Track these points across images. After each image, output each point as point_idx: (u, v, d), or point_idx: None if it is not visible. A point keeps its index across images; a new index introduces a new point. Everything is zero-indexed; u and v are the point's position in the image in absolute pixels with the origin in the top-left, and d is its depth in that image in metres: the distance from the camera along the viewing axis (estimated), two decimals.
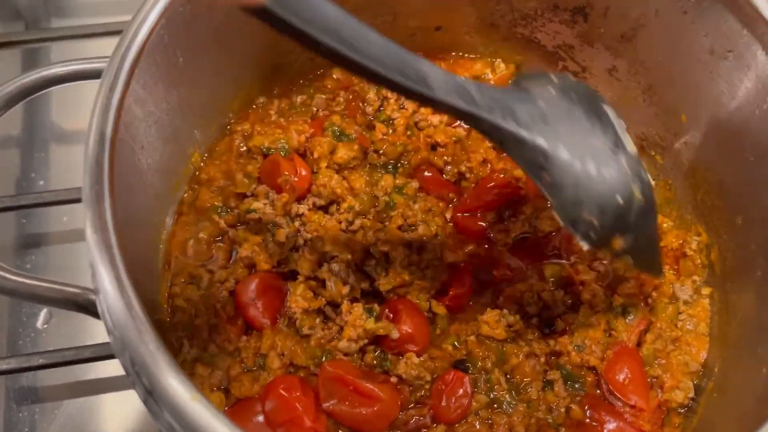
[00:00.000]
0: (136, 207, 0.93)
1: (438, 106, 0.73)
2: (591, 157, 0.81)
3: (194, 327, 0.97)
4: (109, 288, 0.67)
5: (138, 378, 0.70)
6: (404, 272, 0.99)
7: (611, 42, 1.11)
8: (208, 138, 1.12)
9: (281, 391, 0.93)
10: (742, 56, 0.93)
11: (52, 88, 0.86)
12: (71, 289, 0.79)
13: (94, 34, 1.42)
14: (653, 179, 1.07)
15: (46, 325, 1.21)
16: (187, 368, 0.95)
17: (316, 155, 1.10)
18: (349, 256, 1.00)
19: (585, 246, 0.82)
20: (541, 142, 0.78)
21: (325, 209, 1.08)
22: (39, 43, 1.48)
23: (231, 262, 1.04)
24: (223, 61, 1.06)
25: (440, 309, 1.02)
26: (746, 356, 0.93)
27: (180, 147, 1.05)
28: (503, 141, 0.78)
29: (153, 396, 0.69)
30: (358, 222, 1.04)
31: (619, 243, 0.85)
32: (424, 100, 0.72)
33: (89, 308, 0.78)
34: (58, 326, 1.21)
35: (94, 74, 0.81)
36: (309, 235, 1.02)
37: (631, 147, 0.87)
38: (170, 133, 1.00)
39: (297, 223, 1.04)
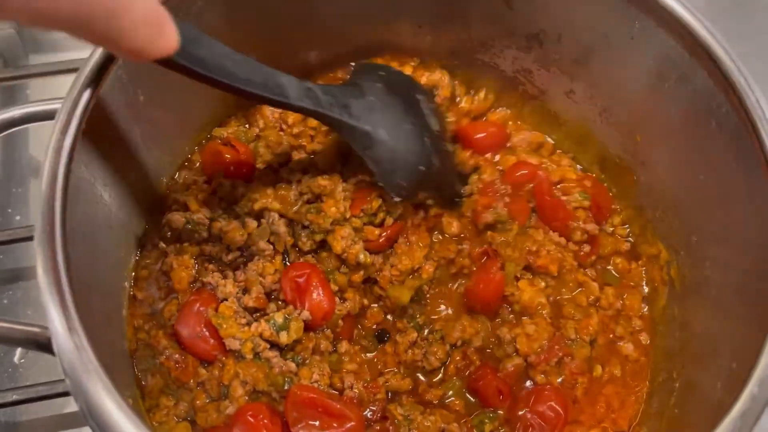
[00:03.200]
0: (100, 242, 0.95)
1: (295, 109, 0.96)
2: (403, 138, 1.06)
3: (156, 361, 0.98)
4: (60, 330, 0.68)
5: (92, 421, 0.71)
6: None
7: (567, 66, 1.13)
8: (172, 169, 1.14)
9: (249, 417, 0.94)
10: (687, 80, 0.95)
11: (9, 131, 0.87)
12: (32, 329, 0.80)
13: (72, 70, 1.43)
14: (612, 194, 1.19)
15: (23, 360, 1.21)
16: (154, 398, 0.96)
17: None
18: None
19: (397, 199, 1.05)
20: (367, 128, 1.02)
21: None
22: (16, 81, 1.50)
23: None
24: (186, 95, 1.07)
25: None
26: (702, 371, 0.94)
27: (145, 180, 1.07)
28: (341, 129, 1.01)
29: None
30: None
31: (423, 195, 1.10)
32: (284, 106, 0.95)
33: (50, 348, 0.79)
34: (36, 361, 1.21)
35: (50, 116, 0.83)
36: None
37: (435, 126, 1.12)
38: (132, 168, 1.02)
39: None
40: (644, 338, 1.10)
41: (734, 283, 0.91)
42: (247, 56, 0.89)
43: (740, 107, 0.84)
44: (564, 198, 1.16)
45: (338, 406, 0.95)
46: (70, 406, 1.17)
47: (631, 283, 1.14)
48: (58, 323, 0.68)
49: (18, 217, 1.35)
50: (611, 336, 1.10)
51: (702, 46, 0.89)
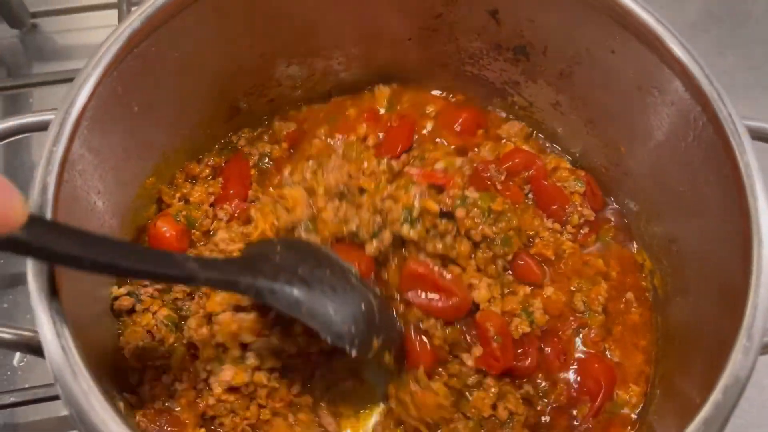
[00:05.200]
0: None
1: (199, 283, 0.88)
2: (329, 285, 0.96)
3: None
4: (48, 334, 0.71)
5: (81, 424, 0.73)
6: None
7: (552, 78, 1.16)
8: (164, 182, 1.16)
9: None
10: (665, 92, 0.97)
11: (4, 141, 0.90)
12: (24, 333, 0.82)
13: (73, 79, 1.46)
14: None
15: (22, 363, 1.24)
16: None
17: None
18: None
19: (354, 353, 0.94)
20: (287, 286, 0.92)
21: None
22: (19, 89, 1.53)
23: None
24: (180, 107, 1.10)
25: None
26: (683, 375, 0.96)
27: (138, 190, 1.10)
28: (261, 295, 0.91)
29: None
30: None
31: (377, 343, 0.97)
32: (188, 282, 0.89)
33: (41, 351, 0.81)
34: (35, 365, 1.24)
35: (45, 127, 0.85)
36: None
37: (355, 270, 1.03)
38: (128, 177, 1.05)
39: None
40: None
41: (710, 292, 0.93)
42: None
43: (714, 120, 0.86)
44: (559, 184, 1.17)
45: (447, 282, 1.02)
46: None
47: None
48: (46, 327, 0.71)
49: None
50: (621, 306, 1.12)
51: (676, 60, 0.91)
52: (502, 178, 1.16)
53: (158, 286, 1.06)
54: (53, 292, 0.73)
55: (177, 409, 0.99)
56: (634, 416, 1.03)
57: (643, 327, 1.10)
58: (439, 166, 1.14)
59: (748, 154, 0.82)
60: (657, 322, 1.09)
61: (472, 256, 1.07)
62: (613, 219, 1.19)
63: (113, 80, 0.92)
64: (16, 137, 0.89)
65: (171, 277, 0.86)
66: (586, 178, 1.18)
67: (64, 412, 1.16)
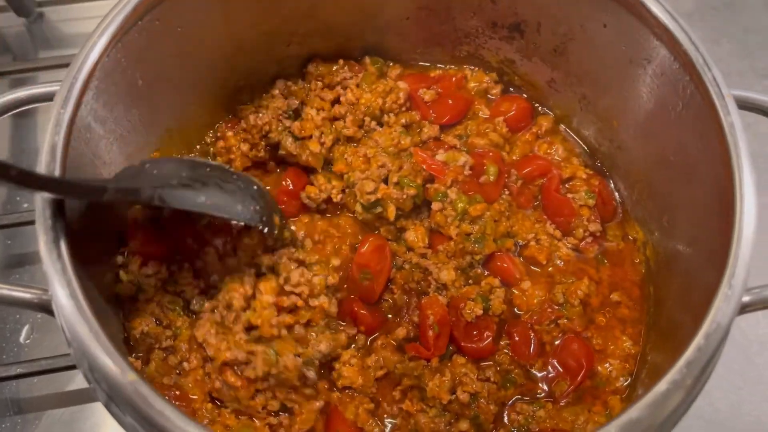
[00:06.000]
0: (99, 220, 1.00)
1: (110, 196, 0.86)
2: (219, 180, 1.00)
3: None
4: (63, 298, 0.73)
5: (98, 384, 0.76)
6: None
7: (547, 56, 1.19)
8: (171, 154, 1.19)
9: None
10: (655, 62, 1.00)
11: (15, 111, 0.92)
12: (34, 291, 0.85)
13: None
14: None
15: (28, 340, 1.26)
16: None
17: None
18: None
19: (265, 230, 1.01)
20: (185, 189, 0.95)
21: None
22: (26, 73, 1.56)
23: None
24: (183, 84, 1.13)
25: None
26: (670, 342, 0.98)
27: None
28: (162, 200, 0.92)
29: (114, 400, 0.75)
30: None
31: (277, 220, 1.05)
32: (99, 196, 0.85)
33: (49, 309, 0.83)
34: (41, 340, 1.26)
35: (50, 97, 0.88)
36: None
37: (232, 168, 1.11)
38: (133, 150, 1.08)
39: None
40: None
41: (699, 255, 0.95)
42: None
43: (701, 86, 0.89)
44: (570, 196, 1.18)
45: None
46: (74, 383, 1.21)
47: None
48: (61, 294, 0.74)
49: (26, 204, 1.40)
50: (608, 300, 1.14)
51: (664, 28, 0.94)
52: (519, 184, 1.19)
53: (161, 276, 1.07)
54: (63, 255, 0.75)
55: (189, 385, 1.01)
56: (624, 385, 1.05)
57: (631, 319, 1.11)
58: (440, 158, 1.16)
59: (732, 114, 0.85)
60: (649, 293, 1.12)
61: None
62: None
63: (118, 51, 0.95)
64: (23, 108, 0.91)
65: (84, 195, 0.86)
66: (598, 188, 1.18)
67: (70, 387, 1.21)
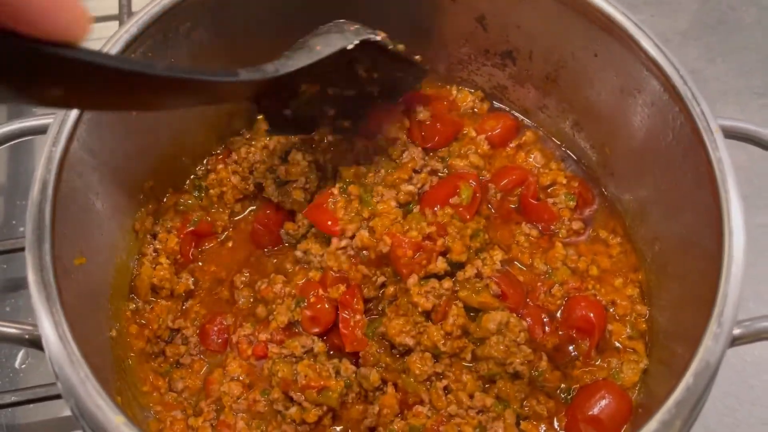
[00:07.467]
0: (94, 249, 1.00)
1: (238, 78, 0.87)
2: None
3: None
4: (49, 331, 0.74)
5: (84, 421, 0.76)
6: None
7: (539, 83, 1.19)
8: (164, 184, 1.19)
9: None
10: (645, 93, 1.00)
11: (8, 144, 0.93)
12: (25, 327, 0.85)
13: None
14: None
15: (24, 365, 1.26)
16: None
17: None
18: None
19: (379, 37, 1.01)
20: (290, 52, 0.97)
21: None
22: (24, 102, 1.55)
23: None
24: (177, 112, 1.12)
25: None
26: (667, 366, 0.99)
27: (137, 192, 1.13)
28: (282, 66, 0.94)
29: None
30: None
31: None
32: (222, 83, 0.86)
33: (40, 344, 0.83)
34: (37, 366, 1.26)
35: (45, 130, 0.88)
36: None
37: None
38: (127, 181, 1.08)
39: None
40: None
41: (691, 286, 0.95)
42: None
43: (689, 119, 0.89)
44: (550, 200, 1.18)
45: None
46: (68, 409, 1.20)
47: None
48: (47, 325, 0.74)
49: (22, 229, 1.40)
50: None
51: (653, 61, 0.95)
52: (498, 197, 1.18)
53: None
54: (53, 292, 0.75)
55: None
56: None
57: (626, 262, 1.13)
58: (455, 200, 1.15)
59: (720, 150, 0.85)
60: (643, 313, 1.11)
61: None
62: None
63: None
64: (18, 140, 0.91)
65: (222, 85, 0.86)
66: (578, 189, 1.19)
67: (65, 413, 1.21)
